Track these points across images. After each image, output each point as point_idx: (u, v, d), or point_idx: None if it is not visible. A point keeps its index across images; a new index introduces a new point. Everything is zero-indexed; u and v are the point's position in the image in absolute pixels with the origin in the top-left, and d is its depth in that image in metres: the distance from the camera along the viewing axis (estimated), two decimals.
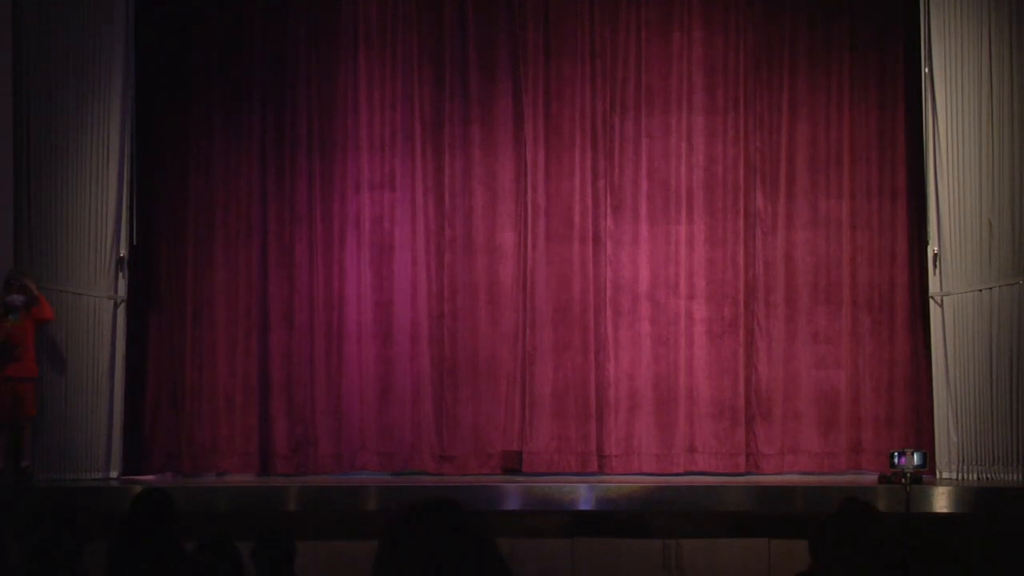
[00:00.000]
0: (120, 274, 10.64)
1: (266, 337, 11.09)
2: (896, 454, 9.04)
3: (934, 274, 10.36)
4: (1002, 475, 9.41)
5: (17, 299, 9.58)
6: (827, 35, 11.15)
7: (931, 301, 10.42)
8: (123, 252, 10.66)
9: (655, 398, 10.91)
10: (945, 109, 10.11)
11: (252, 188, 11.23)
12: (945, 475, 9.95)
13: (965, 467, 9.81)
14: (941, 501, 8.80)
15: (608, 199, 11.12)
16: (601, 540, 8.98)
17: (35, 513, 5.20)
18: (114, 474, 10.36)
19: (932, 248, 10.39)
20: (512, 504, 8.90)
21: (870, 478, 9.98)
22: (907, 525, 7.61)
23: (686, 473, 10.73)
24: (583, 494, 9.19)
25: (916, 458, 8.89)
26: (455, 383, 10.98)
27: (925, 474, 9.20)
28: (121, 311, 10.62)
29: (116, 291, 10.56)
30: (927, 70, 10.34)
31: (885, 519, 4.80)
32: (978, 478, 9.65)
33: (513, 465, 10.78)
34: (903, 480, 8.71)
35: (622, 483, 9.95)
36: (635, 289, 11.04)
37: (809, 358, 10.90)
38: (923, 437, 10.53)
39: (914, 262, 10.83)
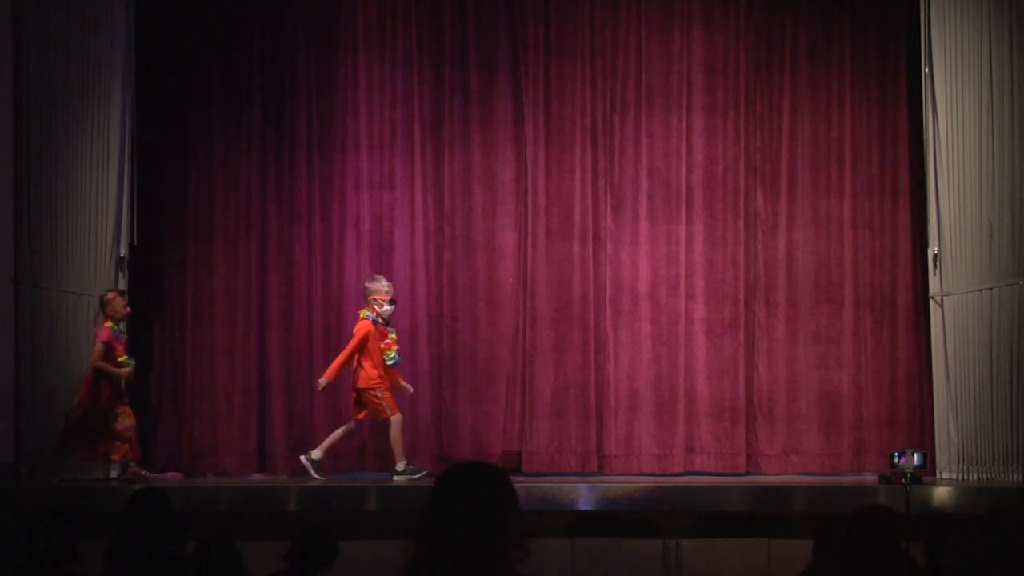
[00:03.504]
0: (120, 274, 10.63)
1: (265, 337, 11.09)
2: (896, 454, 9.02)
3: (934, 274, 10.36)
4: (1002, 475, 9.41)
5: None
6: (827, 35, 11.15)
7: (931, 301, 10.42)
8: (123, 252, 10.66)
9: (655, 398, 10.91)
10: (945, 109, 10.11)
11: (252, 188, 11.23)
12: (945, 475, 9.95)
13: (965, 467, 9.81)
14: (941, 501, 8.79)
15: (608, 199, 11.12)
16: (601, 540, 8.97)
17: (34, 513, 5.19)
18: (114, 474, 10.35)
19: (932, 248, 10.39)
20: None
21: (871, 478, 9.98)
22: (907, 525, 7.60)
23: (686, 473, 10.72)
24: (583, 494, 9.19)
25: (916, 458, 8.87)
26: (454, 383, 10.98)
27: (925, 474, 9.19)
28: None
29: None
30: (927, 70, 10.34)
31: (901, 521, 4.82)
32: (978, 478, 9.64)
33: (513, 465, 10.77)
34: (903, 480, 8.69)
35: (622, 483, 9.95)
36: (635, 289, 11.04)
37: (810, 358, 10.89)
38: (924, 437, 10.54)
39: (916, 262, 10.83)
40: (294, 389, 11.04)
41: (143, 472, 10.08)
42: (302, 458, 10.23)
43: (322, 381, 10.17)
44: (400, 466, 10.11)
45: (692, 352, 10.95)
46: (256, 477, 10.83)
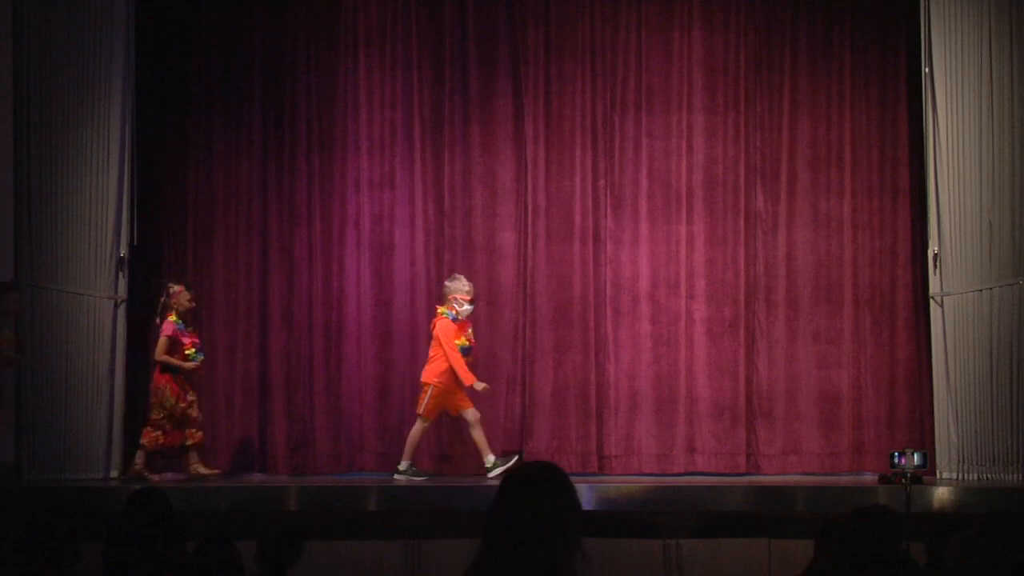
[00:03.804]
0: (120, 274, 10.62)
1: (265, 337, 11.09)
2: (896, 454, 9.03)
3: (934, 274, 10.36)
4: (1002, 475, 9.40)
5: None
6: (827, 34, 11.15)
7: (931, 301, 10.42)
8: (123, 252, 10.65)
9: (655, 398, 10.91)
10: (945, 109, 10.10)
11: (252, 188, 11.23)
12: (945, 475, 9.95)
13: (965, 467, 9.80)
14: (941, 501, 8.79)
15: (608, 198, 11.12)
16: (601, 540, 8.97)
17: (33, 514, 5.19)
18: (114, 474, 10.35)
19: (932, 248, 10.38)
20: None
21: (870, 478, 9.98)
22: (907, 525, 7.60)
23: (686, 473, 10.72)
24: (583, 494, 9.16)
25: (916, 458, 8.88)
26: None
27: (925, 474, 9.20)
28: (121, 311, 10.60)
29: (116, 291, 10.55)
30: (927, 70, 10.33)
31: (901, 521, 4.81)
32: (978, 478, 9.64)
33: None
34: (903, 480, 8.70)
35: (622, 483, 9.95)
36: (635, 289, 11.04)
37: (810, 358, 10.89)
38: (924, 437, 10.54)
39: (916, 262, 10.82)
40: (295, 389, 11.03)
41: (146, 472, 10.06)
42: (491, 475, 9.95)
43: (478, 385, 9.98)
44: (403, 465, 10.09)
45: (692, 352, 10.95)
46: (256, 477, 10.83)
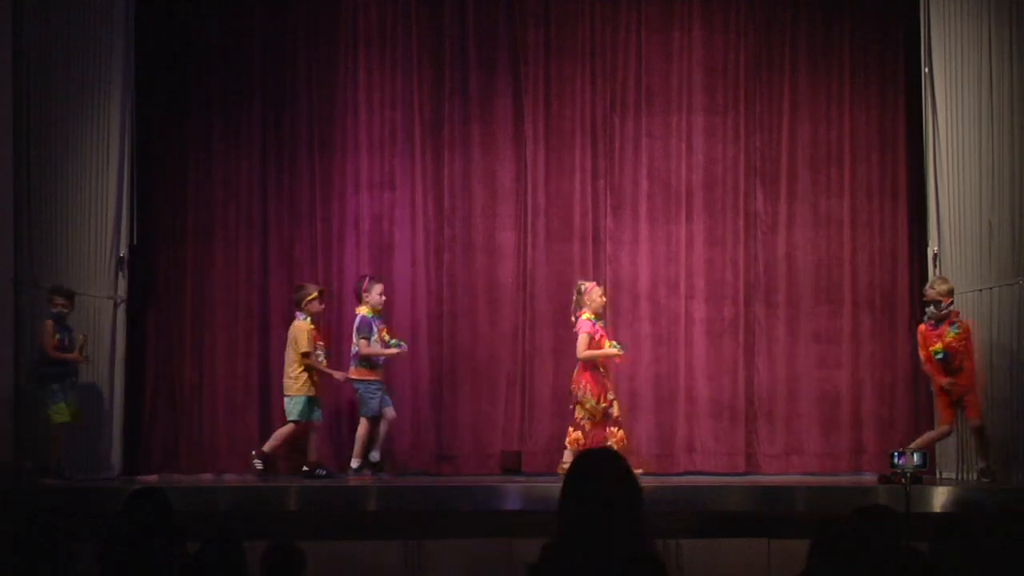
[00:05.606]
0: (120, 274, 10.63)
1: (266, 337, 11.08)
2: (896, 454, 8.99)
3: (934, 274, 10.36)
4: (1002, 475, 9.39)
5: None
6: (827, 35, 11.16)
7: None
8: (123, 252, 10.65)
9: (655, 398, 10.92)
10: (945, 109, 10.11)
11: (252, 188, 11.24)
12: (945, 475, 9.95)
13: (965, 467, 9.81)
14: (941, 501, 8.79)
15: (608, 199, 11.13)
16: None
17: (32, 514, 5.18)
18: (114, 474, 10.35)
19: (932, 248, 10.38)
20: (512, 504, 8.89)
21: (870, 478, 9.98)
22: (907, 525, 7.59)
23: (686, 473, 10.73)
24: None
25: (916, 458, 8.85)
26: (454, 383, 10.98)
27: (925, 474, 9.18)
28: (121, 311, 10.62)
29: (116, 291, 10.56)
30: (927, 70, 10.34)
31: (901, 521, 4.81)
32: (978, 478, 9.63)
33: (513, 465, 10.78)
34: (903, 480, 8.68)
35: None
36: (635, 289, 11.04)
37: (810, 358, 10.90)
38: None
39: (915, 262, 10.83)
40: None
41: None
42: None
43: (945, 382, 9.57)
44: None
45: (692, 352, 10.95)
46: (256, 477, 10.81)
